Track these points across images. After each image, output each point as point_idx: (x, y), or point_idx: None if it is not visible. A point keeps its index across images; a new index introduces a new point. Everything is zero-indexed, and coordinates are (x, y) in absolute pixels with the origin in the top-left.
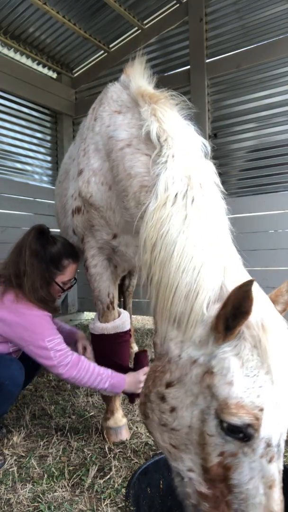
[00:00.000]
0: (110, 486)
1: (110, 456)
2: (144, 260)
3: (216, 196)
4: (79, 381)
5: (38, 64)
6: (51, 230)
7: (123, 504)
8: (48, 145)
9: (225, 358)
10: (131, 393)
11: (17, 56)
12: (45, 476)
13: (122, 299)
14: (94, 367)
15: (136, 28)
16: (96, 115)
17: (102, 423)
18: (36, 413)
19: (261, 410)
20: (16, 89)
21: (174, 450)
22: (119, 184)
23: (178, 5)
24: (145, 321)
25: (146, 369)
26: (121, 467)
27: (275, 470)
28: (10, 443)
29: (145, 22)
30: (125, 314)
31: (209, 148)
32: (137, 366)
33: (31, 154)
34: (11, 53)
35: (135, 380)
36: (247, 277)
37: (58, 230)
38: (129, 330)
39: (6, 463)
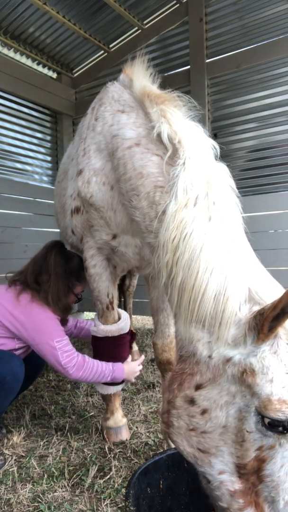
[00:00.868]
0: (110, 486)
1: (110, 456)
2: (165, 261)
3: (233, 199)
4: (85, 380)
5: (38, 64)
6: (51, 230)
7: (123, 504)
8: (48, 145)
9: (265, 357)
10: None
11: (17, 56)
12: (45, 476)
13: (122, 299)
14: (97, 365)
15: (136, 28)
16: (97, 115)
17: (102, 423)
18: (36, 413)
19: None
20: (16, 89)
21: (201, 455)
22: (127, 182)
23: (178, 5)
24: (145, 321)
25: (142, 358)
26: (121, 467)
27: None
28: (10, 443)
29: (145, 22)
30: (125, 314)
31: (218, 150)
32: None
33: (31, 154)
34: (11, 53)
35: (132, 370)
36: (270, 278)
37: (58, 230)
38: (130, 330)
39: (6, 463)
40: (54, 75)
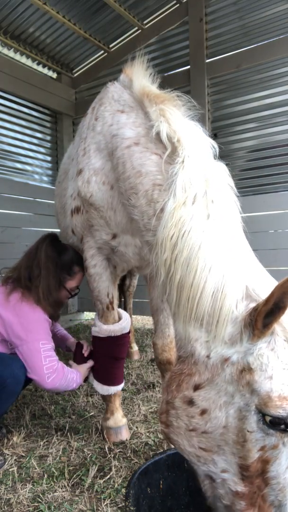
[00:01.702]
0: (110, 486)
1: (110, 456)
2: (163, 259)
3: (231, 198)
4: (57, 388)
5: (38, 64)
6: (51, 230)
7: (123, 504)
8: (48, 145)
9: (262, 354)
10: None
11: (17, 56)
12: (45, 476)
13: (122, 299)
14: (70, 373)
15: (136, 28)
16: (97, 114)
17: (102, 423)
18: (36, 413)
19: None
20: (16, 89)
21: (204, 453)
22: (126, 181)
23: (178, 5)
24: (145, 321)
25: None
26: (121, 467)
27: None
28: (10, 443)
29: (145, 22)
30: (126, 314)
31: (217, 150)
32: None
33: (31, 154)
34: (11, 53)
35: (85, 369)
36: (267, 276)
37: (58, 230)
38: (129, 331)
39: (6, 463)
40: (54, 75)
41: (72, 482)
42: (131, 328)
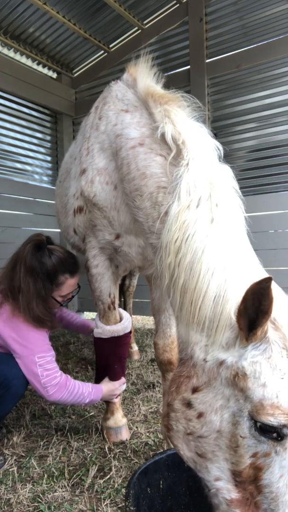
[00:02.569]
0: (110, 486)
1: (110, 456)
2: (167, 263)
3: (236, 201)
4: (63, 402)
5: (38, 64)
6: (51, 230)
7: (123, 504)
8: (48, 145)
9: (256, 362)
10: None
11: (17, 56)
12: (45, 476)
13: (122, 299)
14: (78, 387)
15: (136, 28)
16: (100, 114)
17: (102, 423)
18: (36, 413)
19: None
20: (16, 89)
21: (200, 459)
22: (131, 183)
23: (178, 5)
24: (145, 321)
25: (123, 381)
26: (121, 467)
27: None
28: (10, 443)
29: (145, 22)
30: (127, 313)
31: (222, 151)
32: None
33: (31, 154)
34: (11, 53)
35: (110, 391)
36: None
37: (59, 230)
38: (130, 330)
39: (6, 463)
40: (54, 75)
41: (72, 482)
42: (132, 328)
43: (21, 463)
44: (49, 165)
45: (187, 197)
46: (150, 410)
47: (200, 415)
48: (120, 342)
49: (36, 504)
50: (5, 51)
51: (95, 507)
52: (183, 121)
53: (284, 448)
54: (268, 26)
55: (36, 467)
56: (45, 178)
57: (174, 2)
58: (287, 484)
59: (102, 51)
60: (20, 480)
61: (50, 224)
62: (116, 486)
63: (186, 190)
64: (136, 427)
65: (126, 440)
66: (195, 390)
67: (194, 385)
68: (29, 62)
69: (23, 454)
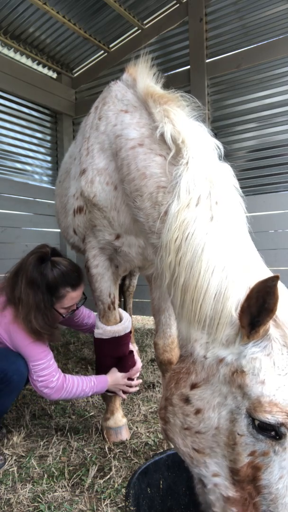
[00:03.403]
0: (110, 486)
1: (110, 456)
2: (167, 262)
3: (236, 199)
4: (64, 399)
5: (38, 64)
6: (51, 230)
7: (123, 504)
8: (48, 145)
9: (255, 358)
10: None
11: (17, 56)
12: (45, 476)
13: (122, 299)
14: (78, 384)
15: (136, 28)
16: (100, 114)
17: (102, 423)
18: (36, 413)
19: None
20: (16, 89)
21: (197, 455)
22: (131, 183)
23: (178, 5)
24: (145, 321)
25: (133, 372)
26: (121, 467)
27: None
28: (10, 443)
29: (145, 22)
30: (126, 313)
31: (223, 150)
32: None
33: (31, 154)
34: (11, 53)
35: (116, 381)
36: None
37: (59, 230)
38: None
39: (6, 463)
40: (54, 75)
41: (72, 482)
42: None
43: (21, 463)
44: (49, 165)
45: (187, 196)
46: (150, 410)
47: (197, 411)
48: (120, 342)
49: (36, 504)
50: (5, 51)
51: (95, 507)
52: (183, 120)
53: (284, 448)
54: (268, 26)
55: (36, 467)
56: (45, 178)
57: (174, 2)
58: (287, 486)
59: (102, 51)
60: (20, 480)
61: (50, 224)
62: (116, 486)
63: (186, 189)
64: (136, 427)
65: (126, 440)
66: (193, 386)
67: (193, 382)
68: (29, 62)
69: (23, 454)
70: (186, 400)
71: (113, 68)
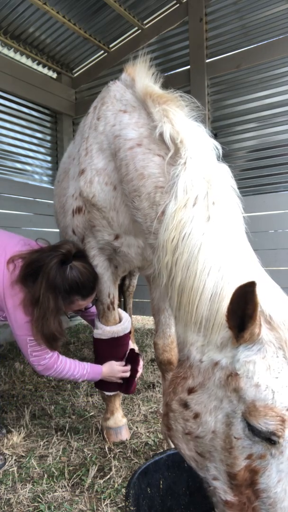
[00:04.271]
0: (110, 486)
1: (110, 456)
2: (164, 262)
3: (234, 199)
4: (53, 377)
5: (38, 64)
6: (51, 230)
7: (123, 504)
8: (48, 145)
9: (249, 362)
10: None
11: (17, 56)
12: (45, 476)
13: (122, 299)
14: (69, 368)
15: (136, 28)
16: (99, 114)
17: (102, 423)
18: (36, 413)
19: None
20: (16, 89)
21: (200, 458)
22: (129, 183)
23: (178, 5)
24: (145, 321)
25: (127, 368)
26: (121, 467)
27: None
28: (10, 443)
29: (145, 22)
30: (126, 314)
31: (221, 151)
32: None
33: (31, 154)
34: (11, 53)
35: (112, 370)
36: (268, 278)
37: (58, 230)
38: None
39: (6, 463)
40: (54, 75)
41: (72, 482)
42: (132, 328)
43: (21, 463)
44: (49, 165)
45: (184, 196)
46: (150, 410)
47: (196, 416)
48: (120, 343)
49: (36, 504)
50: (5, 51)
51: (95, 507)
52: (182, 120)
53: (280, 451)
54: (268, 26)
55: (36, 467)
56: (45, 178)
57: (174, 2)
58: (286, 489)
59: (102, 51)
60: (20, 480)
61: (50, 224)
62: (116, 486)
63: (183, 189)
64: (136, 427)
65: (126, 440)
66: (190, 391)
67: (190, 386)
68: (29, 62)
69: (23, 454)
70: (185, 405)
71: (113, 68)
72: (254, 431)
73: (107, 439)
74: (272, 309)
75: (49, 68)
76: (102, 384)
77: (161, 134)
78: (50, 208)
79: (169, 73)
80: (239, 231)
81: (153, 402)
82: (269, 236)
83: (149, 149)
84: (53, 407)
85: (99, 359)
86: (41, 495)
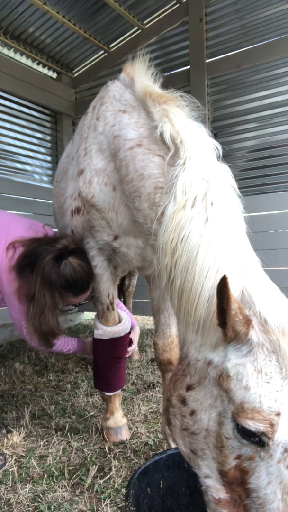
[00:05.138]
0: (110, 486)
1: (110, 456)
2: (164, 264)
3: (233, 199)
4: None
5: (38, 64)
6: (53, 230)
7: (123, 504)
8: (48, 145)
9: (240, 364)
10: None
11: (17, 56)
12: (45, 476)
13: (122, 299)
14: (57, 346)
15: (136, 28)
16: (98, 114)
17: (102, 423)
18: (36, 413)
19: (278, 414)
20: (16, 89)
21: (193, 456)
22: (130, 184)
23: (178, 5)
24: (145, 321)
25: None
26: (121, 467)
27: None
28: (10, 443)
29: (145, 22)
30: (125, 314)
31: (221, 151)
32: None
33: (31, 154)
34: (11, 53)
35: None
36: (267, 279)
37: (57, 231)
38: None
39: (6, 463)
40: (54, 75)
41: (72, 482)
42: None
43: (21, 463)
44: (49, 165)
45: (183, 197)
46: (150, 410)
47: (192, 412)
48: (120, 343)
49: (36, 504)
50: (5, 51)
51: (95, 507)
52: (182, 120)
53: (270, 454)
54: (268, 26)
55: (36, 467)
56: (45, 178)
57: (174, 2)
58: (275, 492)
59: (102, 51)
60: (20, 480)
61: (50, 224)
62: (116, 486)
63: (182, 190)
64: (136, 427)
65: (126, 440)
66: (188, 388)
67: (188, 383)
68: (29, 62)
69: (23, 454)
70: (183, 401)
71: (113, 68)
72: (243, 433)
73: (107, 439)
74: (268, 311)
75: (49, 68)
76: (102, 385)
77: (161, 134)
78: (50, 208)
79: (169, 73)
80: (237, 232)
81: (153, 402)
82: (270, 236)
83: (149, 149)
84: (53, 407)
85: (99, 359)
86: (41, 495)
